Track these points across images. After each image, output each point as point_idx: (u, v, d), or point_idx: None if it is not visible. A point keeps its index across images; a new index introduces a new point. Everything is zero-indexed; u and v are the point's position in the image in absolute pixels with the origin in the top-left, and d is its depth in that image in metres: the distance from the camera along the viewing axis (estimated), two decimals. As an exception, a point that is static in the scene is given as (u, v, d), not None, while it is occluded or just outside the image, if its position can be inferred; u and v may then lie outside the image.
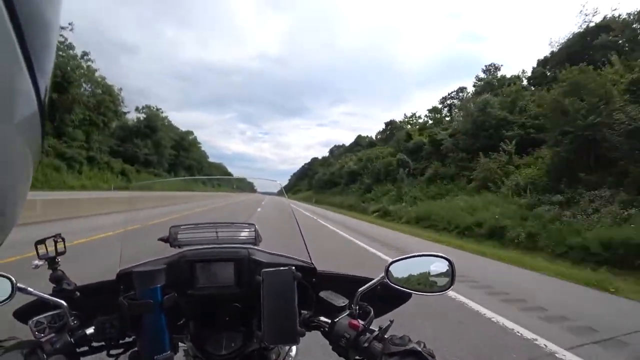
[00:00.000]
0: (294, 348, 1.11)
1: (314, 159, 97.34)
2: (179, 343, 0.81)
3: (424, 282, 0.73)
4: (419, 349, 0.60)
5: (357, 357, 0.68)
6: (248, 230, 0.99)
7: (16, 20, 0.17)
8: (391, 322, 0.69)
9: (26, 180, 0.25)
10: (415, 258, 0.74)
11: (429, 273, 0.73)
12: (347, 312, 0.74)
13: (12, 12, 0.17)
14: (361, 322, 0.69)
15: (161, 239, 0.94)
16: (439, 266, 0.73)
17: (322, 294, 0.80)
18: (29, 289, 0.70)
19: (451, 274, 0.72)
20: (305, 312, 0.78)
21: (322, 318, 0.76)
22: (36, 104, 0.22)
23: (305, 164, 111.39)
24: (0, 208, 0.22)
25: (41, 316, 0.69)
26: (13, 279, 0.69)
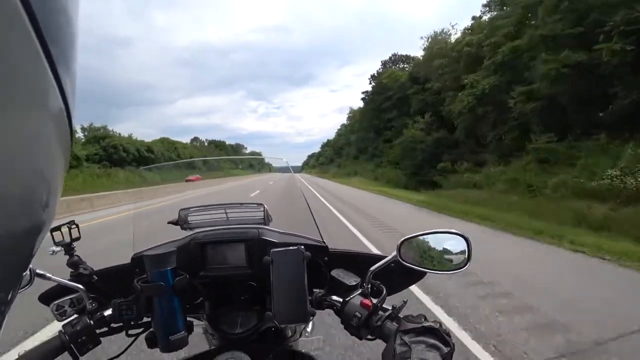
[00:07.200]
0: (309, 324, 1.12)
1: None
2: (196, 321, 0.82)
3: (439, 260, 0.70)
4: (436, 327, 0.58)
5: (369, 336, 0.67)
6: (257, 210, 0.98)
7: (29, 8, 0.16)
8: (405, 302, 0.67)
9: (62, 173, 0.25)
10: (429, 235, 0.71)
11: (443, 250, 0.70)
12: (359, 290, 0.72)
13: (26, 3, 0.16)
14: (373, 301, 0.68)
15: (171, 222, 0.94)
16: (454, 244, 0.69)
17: (334, 272, 0.78)
18: (47, 274, 0.71)
19: (467, 251, 0.69)
20: (318, 290, 0.77)
21: (334, 297, 0.75)
22: (61, 99, 0.21)
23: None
24: (45, 200, 0.22)
25: (61, 300, 0.71)
26: (31, 266, 0.71)
